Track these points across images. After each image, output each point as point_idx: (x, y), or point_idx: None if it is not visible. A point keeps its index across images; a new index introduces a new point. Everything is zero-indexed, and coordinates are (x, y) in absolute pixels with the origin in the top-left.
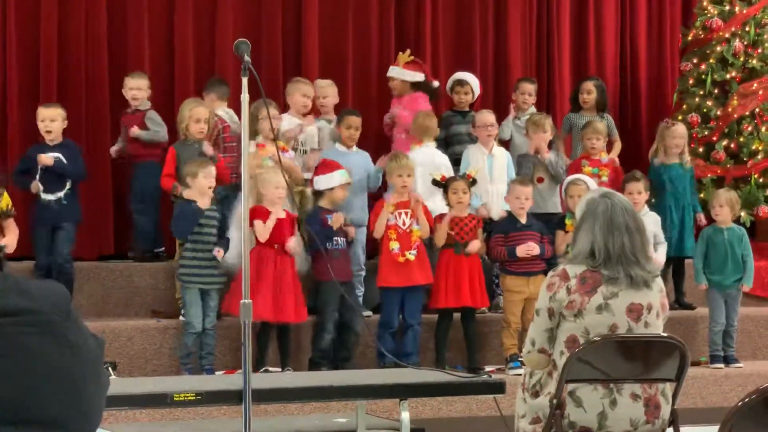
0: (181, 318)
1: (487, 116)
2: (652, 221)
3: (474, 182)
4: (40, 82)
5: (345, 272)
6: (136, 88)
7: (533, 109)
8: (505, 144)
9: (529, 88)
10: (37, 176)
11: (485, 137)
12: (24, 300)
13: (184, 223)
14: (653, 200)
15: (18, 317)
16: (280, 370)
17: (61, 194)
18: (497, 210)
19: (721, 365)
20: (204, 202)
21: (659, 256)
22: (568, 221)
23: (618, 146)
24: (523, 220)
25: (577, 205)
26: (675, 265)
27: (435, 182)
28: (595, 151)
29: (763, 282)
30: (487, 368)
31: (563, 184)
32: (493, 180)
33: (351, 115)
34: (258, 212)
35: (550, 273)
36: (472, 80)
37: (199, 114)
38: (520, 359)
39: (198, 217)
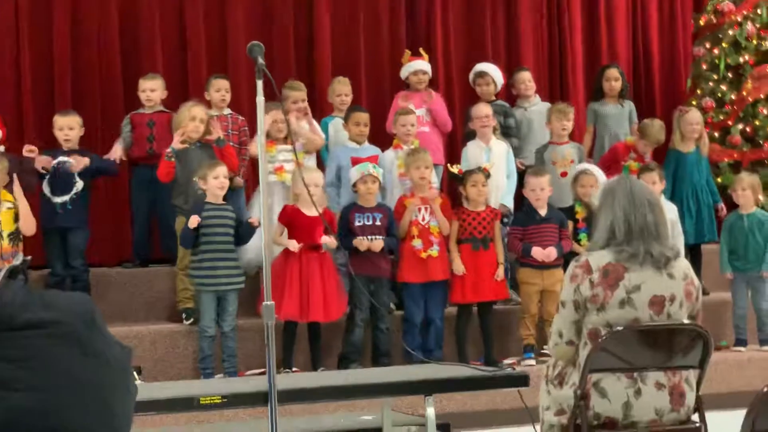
0: (184, 322)
1: (482, 108)
2: (670, 211)
3: (488, 176)
4: (54, 88)
5: (376, 268)
6: (150, 90)
7: (538, 98)
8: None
9: (525, 76)
10: (46, 179)
11: (482, 129)
12: (49, 312)
13: (184, 241)
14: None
15: (44, 329)
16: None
17: (67, 198)
18: (495, 204)
19: (742, 348)
20: (217, 201)
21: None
22: (578, 208)
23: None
24: (543, 212)
25: (595, 195)
26: (693, 252)
27: (452, 175)
28: (645, 154)
29: None
30: (507, 361)
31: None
32: (492, 174)
33: (358, 111)
34: (282, 213)
35: (573, 264)
36: (493, 71)
37: (196, 113)
38: (544, 349)
39: (191, 234)
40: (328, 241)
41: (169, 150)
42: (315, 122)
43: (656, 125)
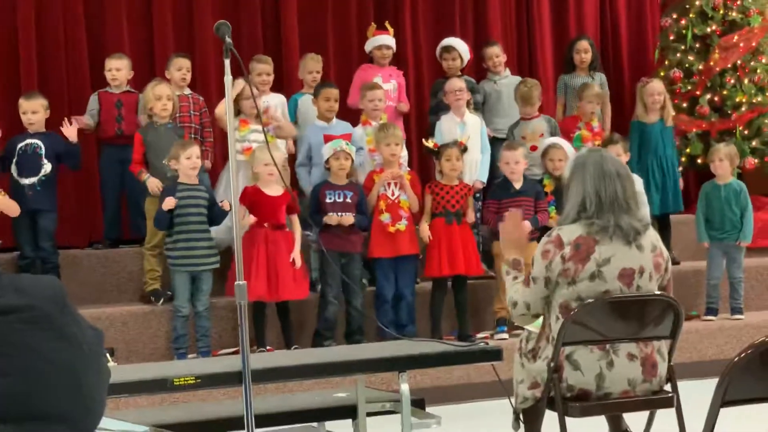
0: (155, 304)
1: (456, 82)
2: (635, 182)
3: (465, 150)
4: (20, 69)
5: (347, 243)
6: (116, 69)
7: (508, 71)
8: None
9: (494, 51)
10: (14, 160)
11: (456, 103)
12: (20, 297)
13: (159, 222)
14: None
15: (15, 314)
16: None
17: (35, 179)
18: (470, 179)
19: (713, 317)
20: (190, 181)
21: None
22: (546, 181)
23: (608, 107)
24: (518, 186)
25: (565, 167)
26: (661, 223)
27: (427, 150)
28: (594, 116)
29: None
30: (480, 335)
31: (542, 148)
32: (468, 148)
33: (328, 87)
34: (243, 195)
35: (544, 239)
36: (460, 46)
37: (161, 92)
38: (512, 323)
39: (167, 216)
40: (296, 257)
41: (145, 175)
42: (287, 121)
43: (591, 84)
